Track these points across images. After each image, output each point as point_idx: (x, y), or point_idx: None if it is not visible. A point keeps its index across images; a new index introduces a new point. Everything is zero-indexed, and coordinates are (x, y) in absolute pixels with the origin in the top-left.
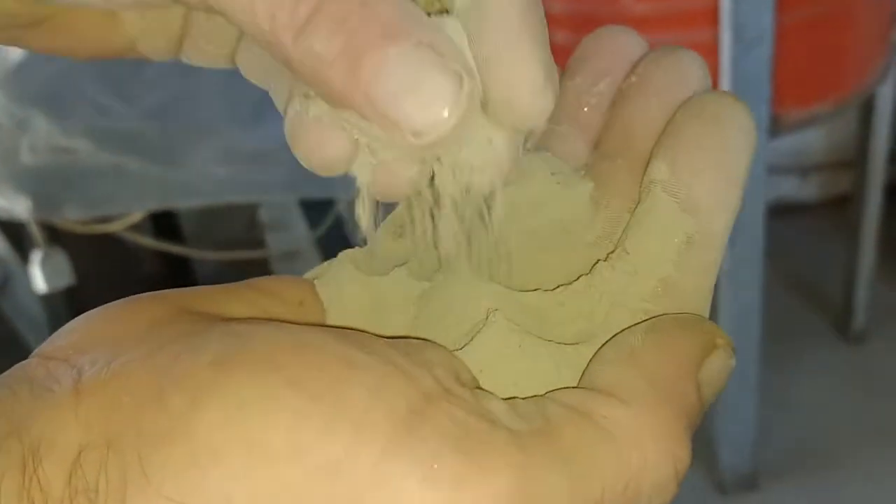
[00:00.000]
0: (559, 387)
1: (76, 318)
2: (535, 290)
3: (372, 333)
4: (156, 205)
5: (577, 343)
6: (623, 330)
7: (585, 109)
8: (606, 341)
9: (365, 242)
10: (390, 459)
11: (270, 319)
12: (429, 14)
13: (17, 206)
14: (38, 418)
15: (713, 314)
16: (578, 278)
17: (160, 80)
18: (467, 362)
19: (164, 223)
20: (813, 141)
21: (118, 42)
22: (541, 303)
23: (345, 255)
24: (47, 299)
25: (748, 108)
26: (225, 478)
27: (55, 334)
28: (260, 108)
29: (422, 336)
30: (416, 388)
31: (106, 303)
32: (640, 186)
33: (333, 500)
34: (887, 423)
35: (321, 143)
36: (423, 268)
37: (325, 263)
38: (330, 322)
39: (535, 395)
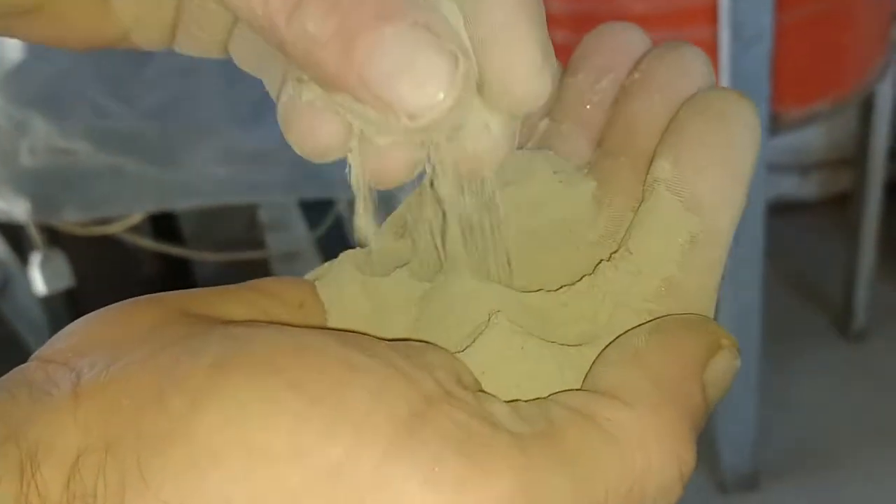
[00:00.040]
0: (562, 389)
1: (75, 321)
2: (538, 290)
3: (373, 336)
4: (155, 206)
5: (580, 344)
6: (627, 331)
7: (588, 107)
8: (610, 343)
9: (364, 242)
10: (391, 462)
11: (271, 322)
12: None
13: (17, 208)
14: (37, 422)
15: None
16: (581, 278)
17: (159, 81)
18: (469, 364)
19: (163, 224)
20: (813, 139)
21: (110, 31)
22: (543, 304)
23: (346, 255)
24: (47, 301)
25: (753, 104)
26: (224, 480)
27: (54, 337)
28: (259, 109)
29: (423, 338)
30: (417, 390)
31: (106, 304)
32: (644, 185)
33: (334, 503)
34: (888, 423)
35: (314, 128)
36: (424, 268)
37: (326, 264)
38: (331, 323)
39: (537, 398)
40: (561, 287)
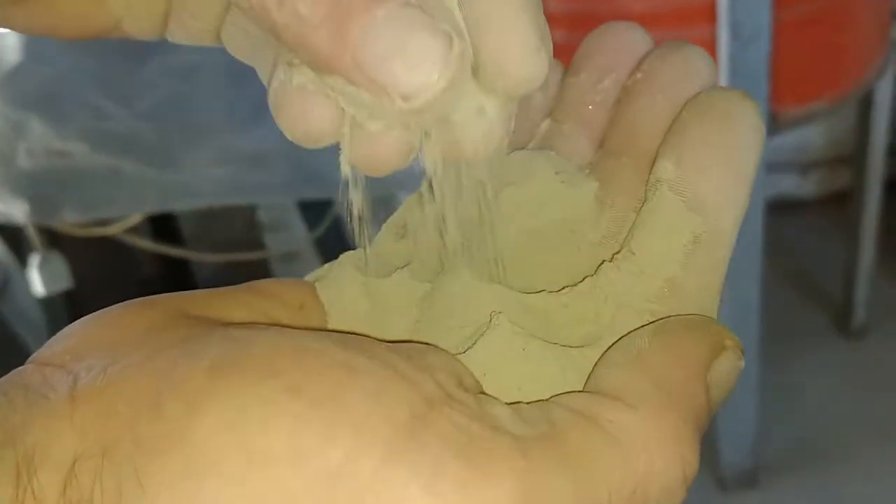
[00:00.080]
0: (564, 391)
1: (73, 324)
2: (540, 291)
3: (373, 338)
4: (153, 207)
5: (582, 346)
6: (629, 332)
7: (590, 107)
8: (612, 344)
9: (359, 237)
10: (392, 465)
11: (270, 324)
12: None
13: (15, 210)
14: (33, 426)
15: None
16: (584, 279)
17: (156, 82)
18: (470, 366)
19: (162, 225)
20: (812, 137)
21: (102, 20)
22: (545, 305)
23: (346, 256)
24: (46, 303)
25: (756, 104)
26: (223, 485)
27: (52, 340)
28: (257, 110)
29: (424, 339)
30: (417, 393)
31: (105, 305)
32: (646, 185)
33: None
34: (888, 420)
35: (305, 112)
36: (425, 269)
37: (327, 266)
38: (331, 325)
39: (539, 400)
40: (563, 288)
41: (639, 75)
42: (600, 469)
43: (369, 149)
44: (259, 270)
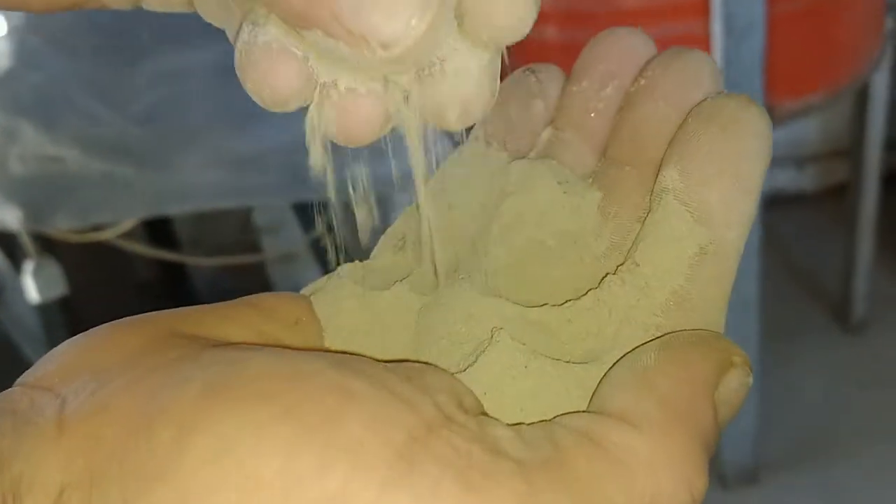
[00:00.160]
0: (568, 409)
1: (62, 344)
2: (543, 305)
3: (370, 357)
4: (147, 211)
5: (586, 362)
6: (634, 348)
7: (592, 115)
8: (617, 360)
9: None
10: (391, 492)
11: (265, 340)
12: None
13: (8, 217)
14: (20, 454)
15: None
16: (587, 292)
17: (148, 86)
18: (471, 384)
19: (157, 229)
20: (808, 131)
21: None
22: (548, 319)
23: (343, 269)
24: (42, 309)
25: (763, 111)
26: None
27: (41, 360)
28: (250, 112)
29: (423, 356)
30: (416, 416)
31: (101, 311)
32: (651, 195)
33: None
34: (888, 415)
35: (270, 70)
36: (425, 282)
37: (324, 278)
38: (328, 340)
39: (542, 420)
40: (566, 301)
41: (642, 82)
42: (605, 494)
43: (344, 116)
44: (255, 273)
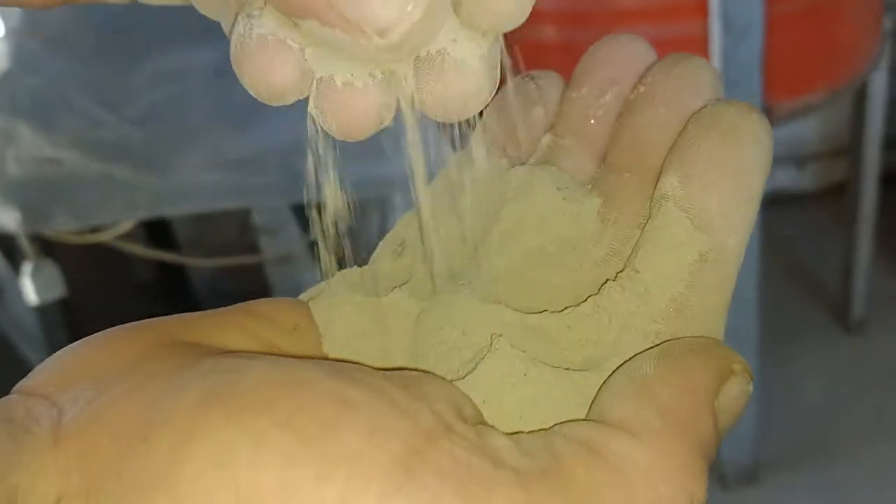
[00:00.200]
0: (567, 416)
1: (59, 351)
2: (542, 311)
3: (368, 365)
4: (146, 213)
5: (585, 369)
6: (634, 356)
7: (592, 122)
8: (617, 368)
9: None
10: None
11: (263, 348)
12: None
13: (6, 219)
14: (16, 465)
15: None
16: (587, 299)
17: (146, 87)
18: (470, 392)
19: (156, 230)
20: (807, 130)
21: None
22: (547, 325)
23: (341, 275)
24: (41, 311)
25: (764, 118)
26: None
27: (37, 368)
28: (249, 112)
29: (421, 362)
30: (414, 425)
31: (100, 313)
32: (651, 201)
33: None
34: (888, 414)
35: (267, 64)
36: (424, 287)
37: (322, 283)
38: (326, 347)
39: (541, 427)
40: (566, 308)
41: (641, 88)
42: (604, 503)
43: (342, 110)
44: (254, 274)
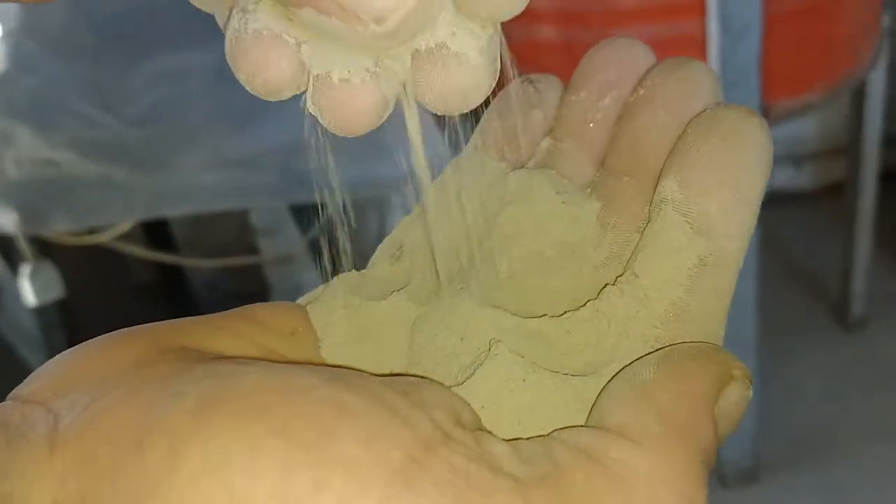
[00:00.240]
0: (567, 422)
1: (56, 357)
2: (541, 316)
3: (366, 371)
4: (144, 214)
5: (585, 375)
6: (633, 361)
7: (591, 125)
8: (616, 373)
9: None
10: None
11: (260, 352)
12: None
13: (4, 220)
14: (11, 472)
15: None
16: (586, 303)
17: (144, 87)
18: (468, 397)
19: (155, 231)
20: (806, 129)
21: None
22: (546, 330)
23: (339, 279)
24: (39, 312)
25: (763, 122)
26: None
27: (33, 374)
28: (247, 113)
29: (420, 367)
30: (412, 433)
31: (99, 314)
32: (650, 205)
33: None
34: (888, 412)
35: (263, 57)
36: (423, 292)
37: (320, 287)
38: (324, 352)
39: (540, 433)
40: (565, 312)
41: (641, 92)
42: None
43: (337, 101)
44: (253, 275)
